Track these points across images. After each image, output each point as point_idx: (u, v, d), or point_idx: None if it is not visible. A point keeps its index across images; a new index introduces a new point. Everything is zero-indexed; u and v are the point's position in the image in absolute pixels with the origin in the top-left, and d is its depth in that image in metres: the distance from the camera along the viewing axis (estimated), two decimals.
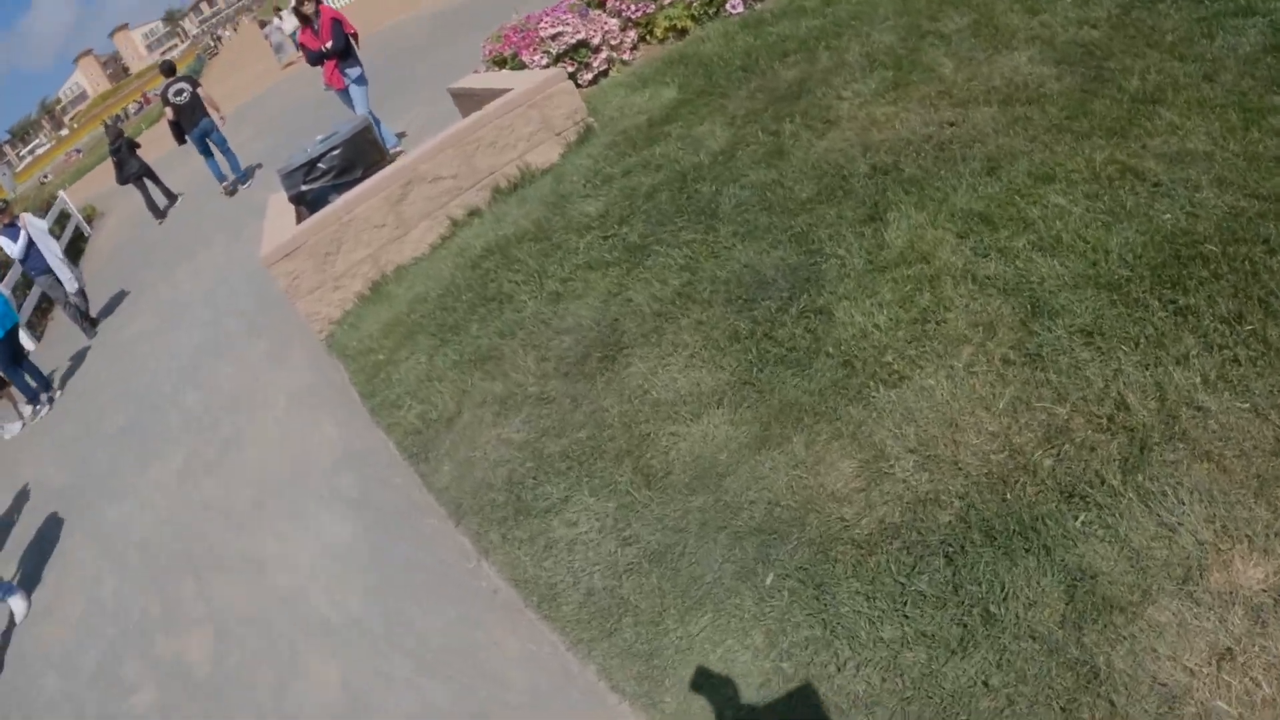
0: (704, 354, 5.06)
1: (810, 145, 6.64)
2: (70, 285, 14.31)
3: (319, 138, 8.86)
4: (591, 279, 6.15)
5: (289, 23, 38.53)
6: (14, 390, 13.11)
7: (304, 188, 8.30)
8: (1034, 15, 7.50)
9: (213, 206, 17.38)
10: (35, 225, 14.43)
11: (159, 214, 19.70)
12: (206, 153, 17.52)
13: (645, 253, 6.15)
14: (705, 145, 7.24)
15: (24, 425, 12.88)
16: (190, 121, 17.10)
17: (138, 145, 19.46)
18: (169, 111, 17.19)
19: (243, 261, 12.34)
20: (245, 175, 18.11)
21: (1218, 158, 4.73)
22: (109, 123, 24.81)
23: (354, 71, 12.71)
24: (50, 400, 12.87)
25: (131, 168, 19.04)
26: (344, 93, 12.85)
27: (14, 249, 14.06)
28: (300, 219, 8.15)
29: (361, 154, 8.41)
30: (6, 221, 14.11)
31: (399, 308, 7.03)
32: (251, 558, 5.91)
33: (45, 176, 54.94)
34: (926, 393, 4.11)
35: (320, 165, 8.24)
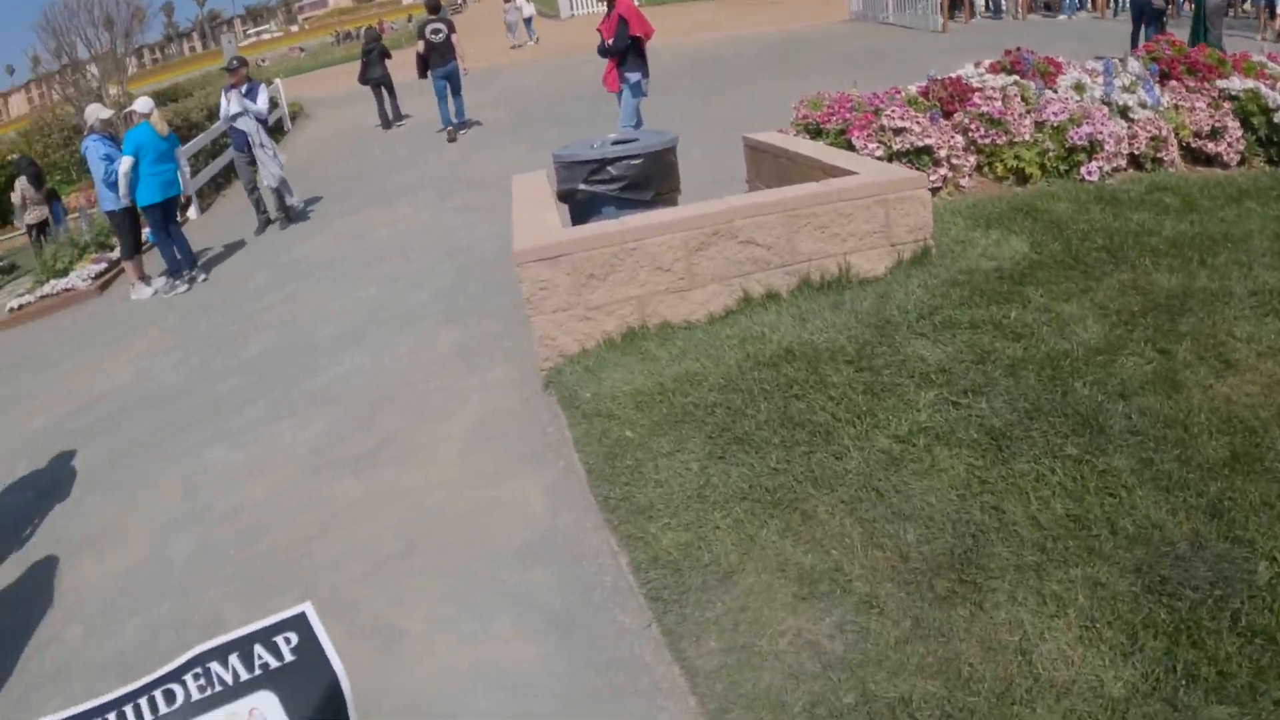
0: (1106, 632, 3.41)
1: (1209, 387, 5.02)
2: (268, 179, 13.16)
3: (611, 137, 7.40)
4: (939, 455, 4.48)
5: (529, 8, 38.46)
6: (142, 262, 12.13)
7: (582, 186, 6.80)
8: None
9: (426, 156, 16.18)
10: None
11: (386, 124, 20.03)
12: (441, 95, 17.24)
13: (1012, 448, 4.48)
14: (1075, 332, 5.60)
15: (155, 294, 11.77)
16: (438, 61, 16.91)
17: (389, 56, 20.04)
18: (421, 46, 16.98)
19: (447, 228, 10.94)
20: (467, 123, 17.93)
21: None
22: (369, 27, 24.80)
23: (632, 76, 11.42)
24: (190, 281, 11.71)
25: (375, 73, 19.65)
26: (619, 96, 11.58)
27: (234, 106, 12.99)
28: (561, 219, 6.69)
29: (660, 174, 6.89)
30: (238, 81, 13.06)
31: (660, 377, 5.40)
32: (386, 627, 4.29)
33: (263, 60, 55.31)
34: None
35: (611, 169, 6.73)
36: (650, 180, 6.78)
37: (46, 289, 13.39)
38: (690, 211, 6.09)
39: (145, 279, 12.05)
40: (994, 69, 10.13)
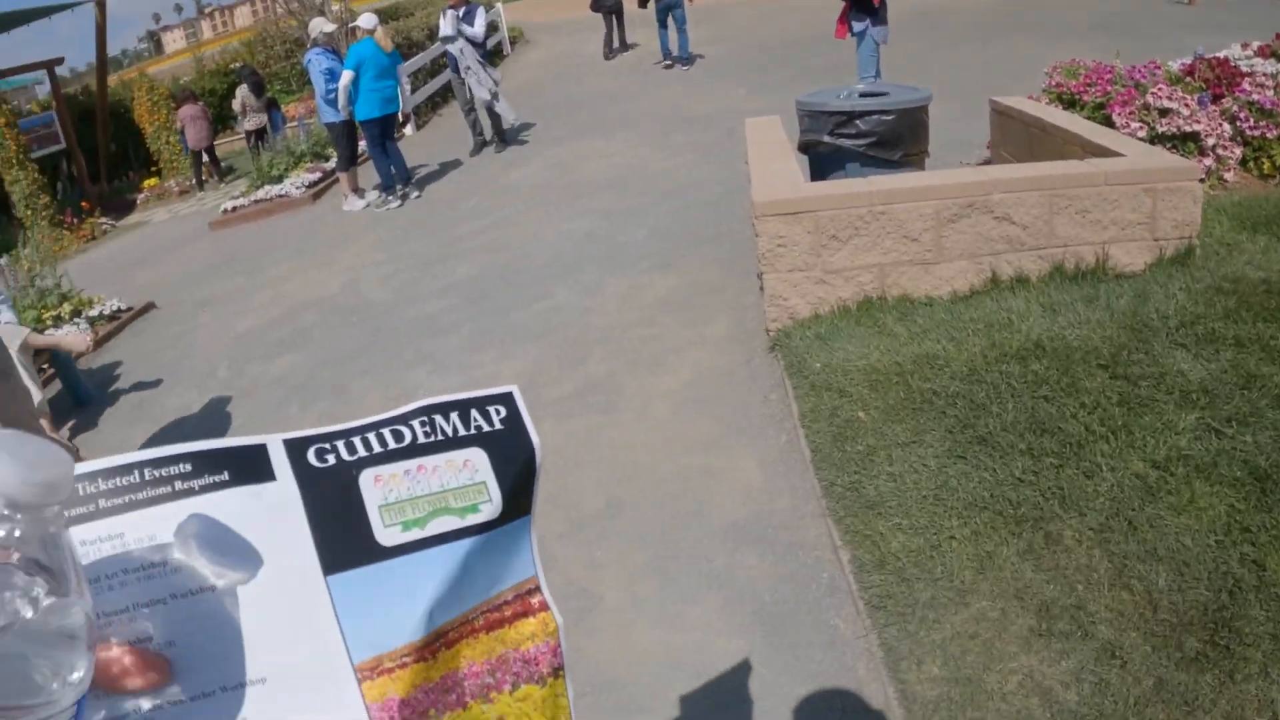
0: None
1: None
2: (482, 96, 13.19)
3: (858, 87, 7.03)
4: (1199, 490, 3.99)
5: None
6: (356, 174, 12.44)
7: (826, 138, 6.45)
8: None
9: (646, 90, 15.98)
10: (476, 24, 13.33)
11: (610, 52, 20.16)
12: (663, 25, 17.25)
13: (1278, 494, 3.99)
14: None
15: (367, 206, 11.97)
16: None
17: None
18: None
19: (665, 166, 10.72)
20: (688, 59, 17.58)
21: None
22: None
23: (858, 25, 10.86)
24: (403, 197, 11.85)
25: (607, 1, 19.55)
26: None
27: (447, 28, 13.01)
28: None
29: (911, 133, 6.47)
30: (457, 3, 13.07)
31: (898, 356, 5.04)
32: (582, 591, 4.11)
33: None
34: None
35: (859, 123, 6.35)
36: (900, 139, 6.38)
37: (260, 194, 13.83)
38: (945, 178, 5.68)
39: (359, 191, 12.28)
40: (1263, 52, 9.32)
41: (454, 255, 9.25)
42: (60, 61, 19.34)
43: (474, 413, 0.99)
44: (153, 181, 19.53)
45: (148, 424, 7.09)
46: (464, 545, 0.93)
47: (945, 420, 4.45)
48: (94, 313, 9.61)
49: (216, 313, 9.46)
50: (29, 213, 16.21)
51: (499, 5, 23.92)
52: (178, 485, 0.81)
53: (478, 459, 0.96)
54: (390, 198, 11.84)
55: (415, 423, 0.94)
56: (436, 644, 0.91)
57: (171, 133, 19.70)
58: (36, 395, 6.68)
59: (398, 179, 11.89)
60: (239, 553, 0.82)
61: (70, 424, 7.43)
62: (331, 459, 0.90)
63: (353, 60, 11.15)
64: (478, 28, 13.02)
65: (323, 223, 12.18)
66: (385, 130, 11.67)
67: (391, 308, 8.22)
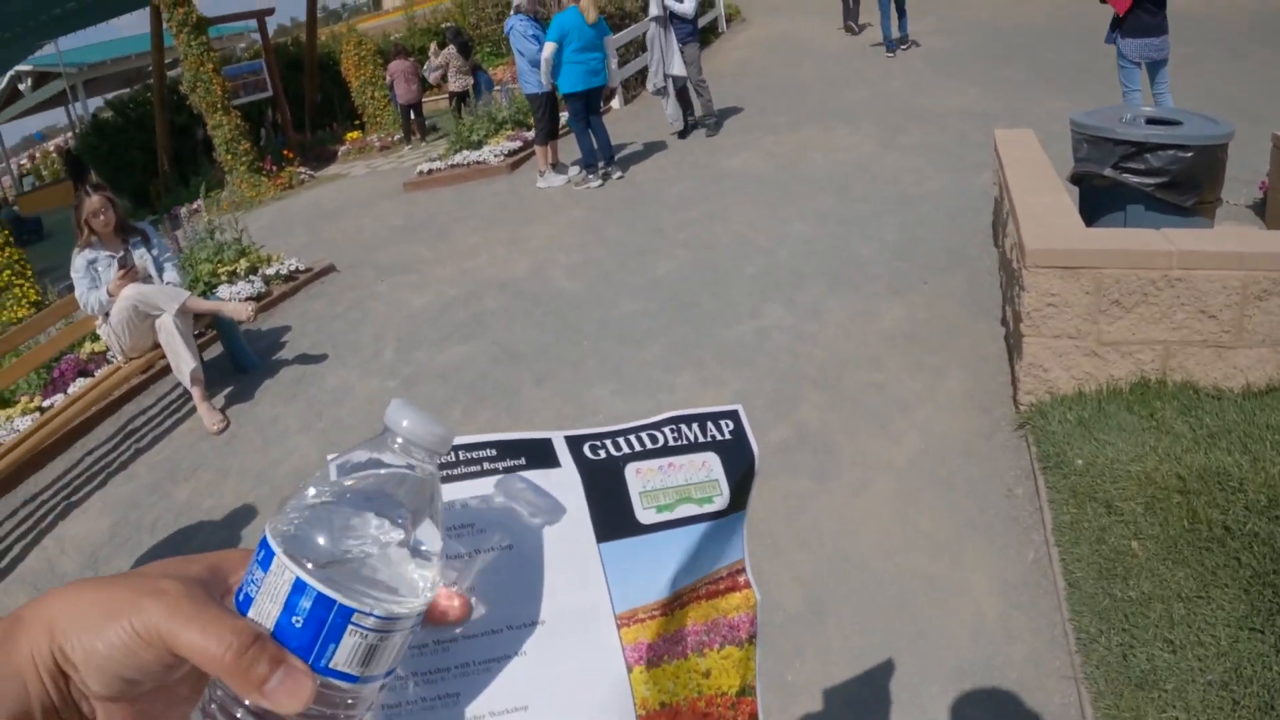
0: None
1: None
2: (655, 79, 12.55)
3: (1144, 111, 6.08)
4: None
5: None
6: (556, 149, 12.00)
7: (1108, 171, 5.54)
8: None
9: (869, 79, 14.93)
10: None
11: (851, 30, 19.46)
12: (885, 11, 16.46)
13: None
14: None
15: (566, 181, 11.53)
16: None
17: None
18: None
19: (892, 170, 9.86)
20: (907, 42, 16.90)
21: None
22: None
23: (1110, 34, 9.63)
24: (604, 176, 11.33)
25: None
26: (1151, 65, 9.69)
27: (654, 7, 12.32)
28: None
29: (1209, 176, 5.48)
30: None
31: (1180, 465, 4.09)
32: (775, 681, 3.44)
33: None
34: None
35: (1150, 158, 5.41)
36: (1196, 182, 5.41)
37: (458, 158, 13.59)
38: (1258, 244, 4.67)
39: (558, 166, 11.81)
40: None
41: (655, 248, 8.64)
42: (271, 11, 19.92)
43: (709, 424, 1.08)
44: (355, 135, 19.71)
45: (303, 403, 6.86)
46: (699, 528, 1.03)
47: (1240, 572, 3.53)
48: (270, 271, 9.38)
49: (394, 284, 9.11)
50: (229, 157, 16.48)
51: None
52: (485, 465, 0.97)
53: (712, 461, 1.06)
54: (591, 176, 11.33)
55: (666, 429, 1.06)
56: (674, 604, 1.02)
57: (378, 87, 19.95)
58: (190, 362, 6.47)
59: (600, 157, 11.38)
60: (544, 506, 0.96)
61: (227, 390, 7.21)
62: (603, 453, 1.03)
63: (555, 31, 10.63)
64: (687, 4, 12.28)
65: (518, 195, 11.77)
66: (589, 104, 11.15)
67: (581, 302, 7.67)
